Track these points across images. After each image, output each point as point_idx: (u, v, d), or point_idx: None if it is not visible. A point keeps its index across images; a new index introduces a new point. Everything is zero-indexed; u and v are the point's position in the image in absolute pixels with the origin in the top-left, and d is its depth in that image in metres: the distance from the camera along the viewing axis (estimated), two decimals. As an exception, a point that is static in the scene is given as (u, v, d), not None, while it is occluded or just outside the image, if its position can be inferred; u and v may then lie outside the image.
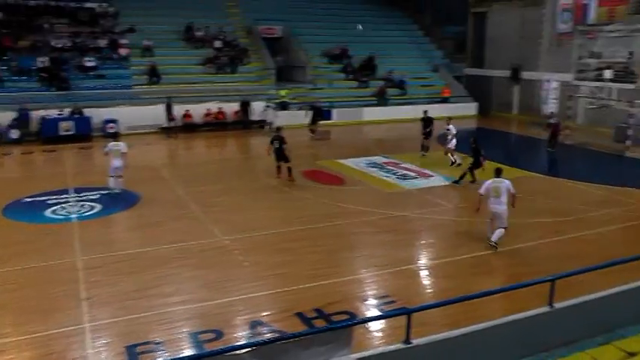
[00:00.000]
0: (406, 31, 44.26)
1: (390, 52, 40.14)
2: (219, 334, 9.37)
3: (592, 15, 31.63)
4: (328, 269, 12.13)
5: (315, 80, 36.22)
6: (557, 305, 8.54)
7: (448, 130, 22.21)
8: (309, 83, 36.14)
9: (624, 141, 24.96)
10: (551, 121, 25.86)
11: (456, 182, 19.38)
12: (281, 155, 19.42)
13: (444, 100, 37.30)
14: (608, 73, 27.46)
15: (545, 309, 8.50)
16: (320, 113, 29.36)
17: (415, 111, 34.46)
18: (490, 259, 12.87)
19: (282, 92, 33.50)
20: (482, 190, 13.34)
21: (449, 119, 22.80)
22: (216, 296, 10.77)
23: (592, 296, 8.95)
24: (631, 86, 28.91)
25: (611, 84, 27.30)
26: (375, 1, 45.48)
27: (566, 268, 10.60)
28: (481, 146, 19.22)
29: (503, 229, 13.11)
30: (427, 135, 24.43)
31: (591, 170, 23.61)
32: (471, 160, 19.34)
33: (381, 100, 35.81)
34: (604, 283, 9.74)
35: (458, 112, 35.69)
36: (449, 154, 22.10)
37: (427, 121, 24.51)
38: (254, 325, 9.72)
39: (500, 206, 13.06)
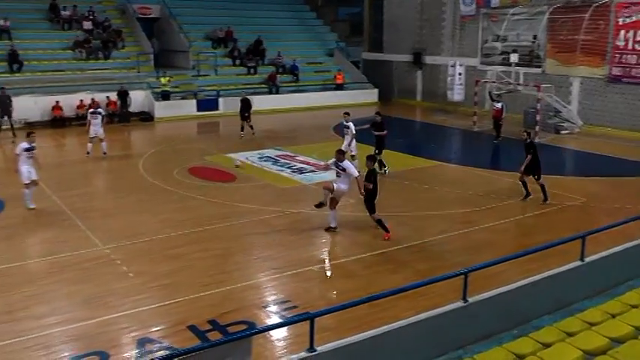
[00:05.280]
0: (296, 12, 44.44)
1: (279, 36, 40.18)
2: (104, 357, 9.08)
3: (495, -3, 32.84)
4: (221, 275, 12.03)
5: (198, 66, 35.76)
6: (472, 299, 8.75)
7: (347, 128, 19.92)
8: (192, 69, 35.68)
9: (534, 126, 26.00)
10: (496, 105, 25.97)
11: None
12: None
13: (339, 88, 37.80)
14: (514, 57, 28.64)
15: (459, 304, 8.69)
16: (248, 106, 27.35)
17: (308, 99, 35.34)
18: (396, 255, 13.09)
19: (163, 80, 32.85)
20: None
21: (346, 114, 20.27)
22: (97, 314, 10.41)
23: (507, 288, 9.24)
24: (537, 70, 30.52)
25: (517, 68, 28.52)
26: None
27: (478, 260, 10.95)
28: None
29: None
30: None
31: (500, 157, 24.82)
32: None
33: (272, 87, 35.85)
34: (519, 273, 10.18)
35: (358, 100, 36.71)
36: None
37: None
38: (142, 342, 9.50)
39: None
